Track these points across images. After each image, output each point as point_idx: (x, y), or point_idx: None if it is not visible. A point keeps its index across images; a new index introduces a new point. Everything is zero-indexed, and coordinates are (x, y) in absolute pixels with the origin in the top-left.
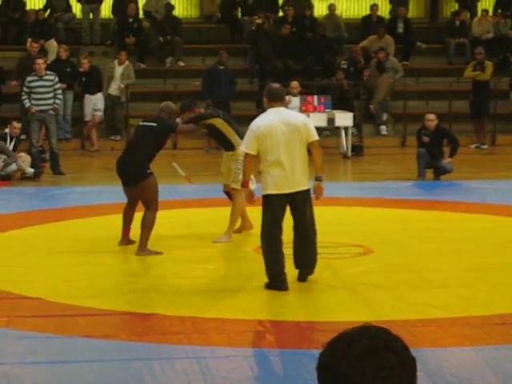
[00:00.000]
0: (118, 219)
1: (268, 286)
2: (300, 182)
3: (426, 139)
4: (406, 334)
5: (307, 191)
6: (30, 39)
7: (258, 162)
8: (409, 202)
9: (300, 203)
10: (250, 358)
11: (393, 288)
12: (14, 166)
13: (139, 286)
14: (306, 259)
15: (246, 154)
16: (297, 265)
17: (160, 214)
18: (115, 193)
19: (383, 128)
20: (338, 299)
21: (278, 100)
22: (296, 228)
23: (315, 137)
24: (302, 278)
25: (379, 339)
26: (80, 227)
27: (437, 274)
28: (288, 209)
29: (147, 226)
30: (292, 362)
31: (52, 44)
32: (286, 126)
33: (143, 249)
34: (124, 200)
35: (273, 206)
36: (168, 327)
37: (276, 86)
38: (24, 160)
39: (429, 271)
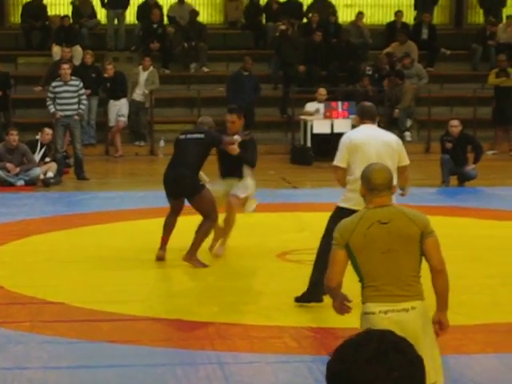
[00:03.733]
0: (141, 225)
1: (301, 298)
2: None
3: (448, 145)
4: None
5: None
6: (54, 45)
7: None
8: (432, 209)
9: None
10: (272, 364)
11: None
12: (37, 171)
13: (163, 292)
14: None
15: (336, 167)
16: None
17: (185, 219)
18: (139, 198)
19: (407, 134)
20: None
21: (371, 118)
22: None
23: (407, 161)
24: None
25: (387, 341)
26: (104, 233)
27: (460, 280)
28: None
29: (202, 233)
30: (314, 368)
31: (77, 50)
32: (379, 143)
33: (191, 257)
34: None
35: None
36: (191, 333)
37: (368, 103)
38: (50, 167)
39: (452, 278)
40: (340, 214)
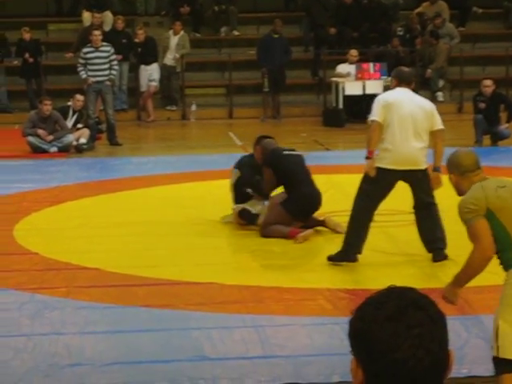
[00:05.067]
0: (174, 189)
1: (335, 257)
2: (419, 160)
3: (482, 105)
4: (464, 301)
5: (425, 170)
6: (85, 10)
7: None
8: None
9: (420, 181)
10: (307, 326)
11: (450, 255)
12: (70, 138)
13: (197, 256)
14: (435, 234)
15: (373, 121)
16: (427, 244)
17: (219, 183)
18: (172, 163)
19: (439, 94)
20: (395, 268)
21: (408, 83)
22: (417, 206)
23: (441, 125)
24: (438, 256)
25: (407, 298)
26: (137, 198)
27: None
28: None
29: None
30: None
31: (107, 15)
32: (413, 105)
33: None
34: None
35: (379, 179)
36: (226, 296)
37: (406, 69)
38: (83, 133)
39: None
40: (378, 173)
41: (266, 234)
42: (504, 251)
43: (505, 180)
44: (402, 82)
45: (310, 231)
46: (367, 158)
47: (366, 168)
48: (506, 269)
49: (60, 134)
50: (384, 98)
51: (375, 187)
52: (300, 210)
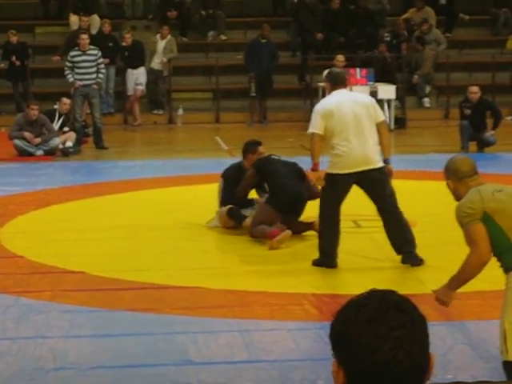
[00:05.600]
0: (161, 193)
1: (316, 263)
2: (372, 159)
3: (467, 111)
4: (450, 306)
5: (381, 169)
6: (72, 14)
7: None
8: None
9: (376, 181)
10: (293, 331)
11: (437, 261)
12: (56, 141)
13: (183, 260)
14: (403, 238)
15: (313, 134)
16: (396, 248)
17: (205, 188)
18: (158, 167)
19: (426, 100)
20: (381, 273)
21: (342, 84)
22: (379, 209)
23: (383, 117)
24: (408, 259)
25: (388, 300)
26: (123, 201)
27: None
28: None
29: None
30: None
31: (94, 19)
32: (354, 104)
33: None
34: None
35: (336, 185)
36: (212, 301)
37: (338, 70)
38: (69, 137)
39: None
40: (331, 180)
41: (253, 233)
42: (503, 254)
43: (502, 185)
44: (336, 84)
45: (284, 234)
46: (313, 170)
47: (314, 180)
48: (506, 272)
49: (48, 136)
50: (323, 107)
51: (334, 193)
52: (283, 203)
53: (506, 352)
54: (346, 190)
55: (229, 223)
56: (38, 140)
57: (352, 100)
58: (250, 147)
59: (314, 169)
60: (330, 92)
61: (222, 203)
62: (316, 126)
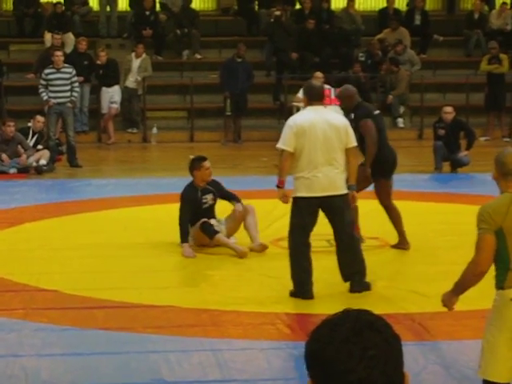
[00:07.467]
0: (134, 211)
1: (293, 294)
2: (336, 185)
3: (441, 132)
4: (423, 326)
5: (344, 196)
6: (47, 32)
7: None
8: (425, 195)
9: (337, 208)
10: (266, 350)
11: (410, 280)
12: (30, 159)
13: (156, 279)
14: (354, 268)
15: (283, 152)
16: (345, 277)
17: (178, 206)
18: (132, 185)
19: (400, 121)
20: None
21: (319, 99)
22: (335, 235)
23: (354, 143)
24: (354, 286)
25: (362, 320)
26: (97, 220)
27: (454, 266)
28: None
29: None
30: None
31: (69, 37)
32: (326, 125)
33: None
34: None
35: (302, 209)
36: (184, 320)
37: (317, 84)
38: (43, 154)
39: (446, 264)
40: (297, 205)
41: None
42: (498, 271)
43: None
44: (312, 99)
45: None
46: (278, 187)
47: (278, 197)
48: (496, 287)
49: (28, 153)
50: (296, 123)
51: (302, 218)
52: (387, 169)
53: (479, 368)
54: (314, 215)
55: (203, 239)
56: (10, 161)
57: (325, 120)
58: (195, 164)
59: (280, 186)
60: (305, 106)
61: (181, 224)
62: (287, 143)
